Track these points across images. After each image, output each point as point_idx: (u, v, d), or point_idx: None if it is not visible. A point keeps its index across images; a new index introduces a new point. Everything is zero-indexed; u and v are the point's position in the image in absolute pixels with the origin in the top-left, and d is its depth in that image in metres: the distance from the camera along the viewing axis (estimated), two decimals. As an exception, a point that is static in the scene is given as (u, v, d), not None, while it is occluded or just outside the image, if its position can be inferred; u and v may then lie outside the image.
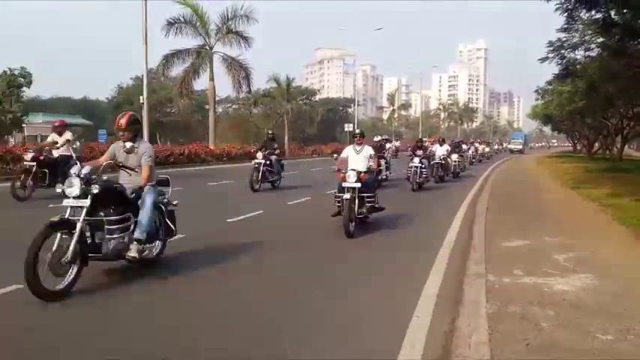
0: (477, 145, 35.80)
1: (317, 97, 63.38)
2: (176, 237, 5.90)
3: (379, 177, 16.66)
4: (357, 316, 4.24)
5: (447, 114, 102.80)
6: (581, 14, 14.40)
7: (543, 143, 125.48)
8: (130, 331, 3.82)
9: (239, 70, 29.50)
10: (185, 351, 3.50)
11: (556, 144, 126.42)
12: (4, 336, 3.70)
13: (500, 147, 64.53)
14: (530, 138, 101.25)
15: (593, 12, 13.43)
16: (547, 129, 77.62)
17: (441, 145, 18.82)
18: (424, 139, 19.80)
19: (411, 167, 14.52)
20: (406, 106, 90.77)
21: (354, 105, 57.18)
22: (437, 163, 17.65)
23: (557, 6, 13.65)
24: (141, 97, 25.59)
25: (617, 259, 6.14)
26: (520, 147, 65.31)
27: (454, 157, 19.56)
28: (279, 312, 4.31)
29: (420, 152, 15.12)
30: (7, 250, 5.49)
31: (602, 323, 3.95)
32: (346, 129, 45.42)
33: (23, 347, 3.55)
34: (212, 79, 29.37)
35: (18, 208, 9.84)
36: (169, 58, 28.33)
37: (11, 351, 3.48)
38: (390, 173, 16.73)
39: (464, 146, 25.27)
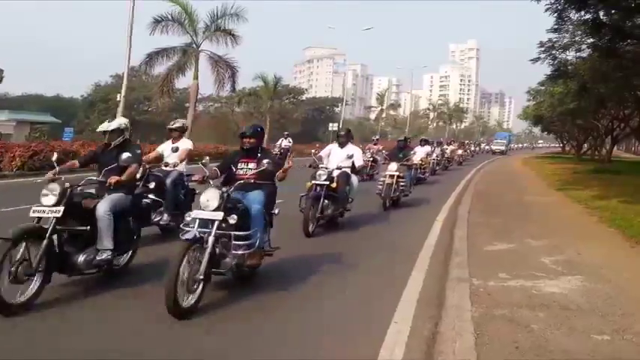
0: (445, 147, 25.37)
1: (304, 97, 63.10)
2: None
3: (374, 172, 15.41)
4: (331, 324, 4.02)
5: (436, 114, 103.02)
6: (571, 15, 14.39)
7: (525, 144, 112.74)
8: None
9: (225, 68, 28.90)
10: None
11: (541, 144, 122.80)
12: None
13: (478, 149, 53.17)
14: (513, 139, 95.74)
15: (582, 12, 13.42)
16: (536, 130, 76.78)
17: (422, 147, 17.75)
18: (408, 137, 15.25)
19: (385, 176, 10.49)
20: (395, 105, 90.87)
21: (342, 104, 56.98)
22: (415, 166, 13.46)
23: (547, 6, 13.64)
24: (118, 95, 25.05)
25: (606, 260, 6.07)
26: (503, 148, 61.18)
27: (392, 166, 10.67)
28: (255, 320, 4.12)
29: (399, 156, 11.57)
30: None
31: (597, 324, 3.88)
32: (330, 128, 44.89)
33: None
34: (197, 77, 28.79)
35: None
36: (153, 56, 27.53)
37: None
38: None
39: (427, 148, 18.47)
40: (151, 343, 3.56)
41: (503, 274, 5.27)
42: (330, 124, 46.20)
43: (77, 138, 29.43)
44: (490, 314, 4.05)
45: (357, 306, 4.47)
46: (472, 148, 45.20)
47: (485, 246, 6.76)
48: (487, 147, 61.77)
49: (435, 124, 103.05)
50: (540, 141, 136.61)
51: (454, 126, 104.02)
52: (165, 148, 7.45)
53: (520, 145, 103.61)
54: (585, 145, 43.69)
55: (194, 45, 28.48)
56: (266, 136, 39.70)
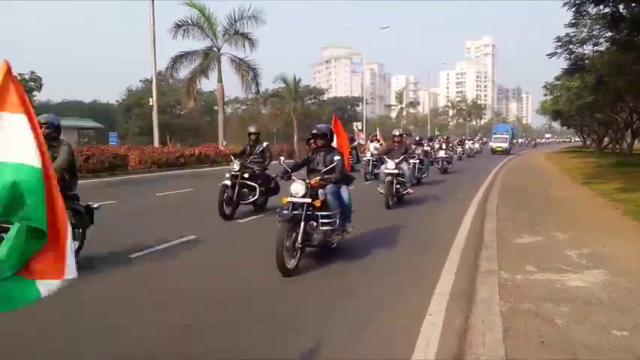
0: (425, 147, 20.13)
1: (325, 97, 63.26)
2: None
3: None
4: (369, 316, 4.25)
5: (455, 111, 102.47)
6: (589, 9, 14.34)
7: (523, 139, 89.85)
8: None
9: (247, 70, 29.43)
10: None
11: (550, 139, 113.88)
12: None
13: (461, 150, 33.39)
14: (518, 132, 74.42)
15: (601, 7, 13.38)
16: (556, 124, 74.15)
17: (418, 145, 17.65)
18: (399, 132, 12.35)
19: (384, 175, 10.45)
20: (414, 103, 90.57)
21: (362, 103, 56.92)
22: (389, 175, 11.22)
23: (565, 1, 13.62)
24: (150, 100, 25.86)
25: (630, 254, 6.10)
26: (505, 145, 44.24)
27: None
28: (290, 314, 4.36)
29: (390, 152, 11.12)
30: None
31: (618, 319, 3.95)
32: (355, 128, 45.15)
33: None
34: (220, 80, 29.41)
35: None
36: (177, 60, 28.29)
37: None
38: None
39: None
40: (268, 291, 4.99)
41: (531, 267, 5.40)
42: (355, 124, 46.46)
43: (121, 142, 30.50)
44: (517, 308, 4.18)
45: (393, 299, 4.76)
46: (459, 150, 32.57)
47: (514, 239, 6.91)
48: (476, 145, 42.13)
49: (454, 121, 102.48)
50: (547, 135, 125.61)
51: (474, 122, 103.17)
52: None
53: (522, 141, 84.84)
54: (606, 138, 42.98)
55: (215, 48, 29.02)
56: (295, 136, 40.18)
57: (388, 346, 3.66)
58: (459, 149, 32.66)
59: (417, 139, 22.02)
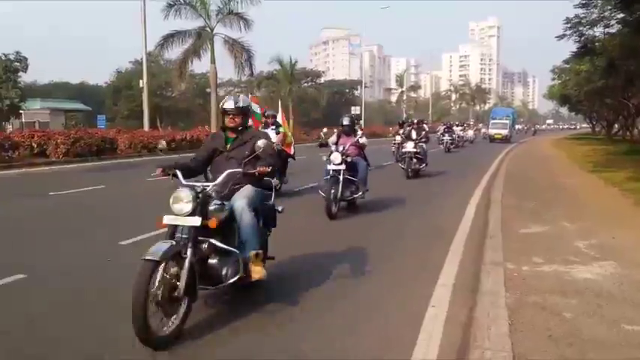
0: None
1: (322, 79, 61.71)
2: None
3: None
4: (370, 307, 4.12)
5: (458, 95, 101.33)
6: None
7: (521, 126, 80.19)
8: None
9: (241, 52, 28.67)
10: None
11: (552, 126, 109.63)
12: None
13: (449, 139, 25.67)
14: (516, 117, 63.16)
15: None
16: (564, 110, 72.51)
17: (418, 128, 15.60)
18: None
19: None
20: (415, 87, 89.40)
21: (361, 87, 56.03)
22: (408, 153, 13.36)
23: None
24: (140, 81, 25.41)
25: (641, 244, 5.95)
26: (505, 132, 39.64)
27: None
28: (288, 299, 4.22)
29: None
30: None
31: (629, 313, 3.81)
32: (352, 112, 44.33)
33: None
34: (213, 61, 28.66)
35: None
36: (168, 39, 27.57)
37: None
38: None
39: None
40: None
41: (538, 259, 5.24)
42: (353, 108, 45.73)
43: (109, 125, 30.21)
44: (524, 300, 4.04)
45: (396, 287, 4.61)
46: (447, 137, 25.46)
47: (520, 229, 6.73)
48: (470, 133, 36.08)
49: (457, 106, 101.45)
50: (549, 121, 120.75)
51: (477, 107, 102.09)
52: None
53: (519, 127, 75.52)
54: (616, 125, 42.37)
55: (208, 28, 28.27)
56: (291, 121, 39.72)
57: (388, 339, 3.53)
58: (445, 138, 24.93)
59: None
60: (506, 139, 38.14)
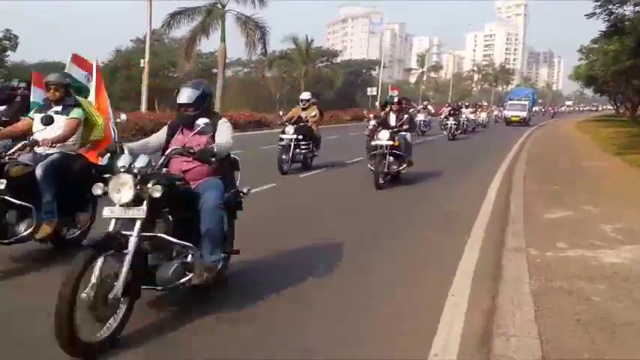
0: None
1: (339, 59, 58.93)
2: None
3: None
4: (387, 295, 3.99)
5: (480, 76, 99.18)
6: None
7: (539, 107, 64.65)
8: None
9: (254, 30, 27.04)
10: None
11: (571, 108, 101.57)
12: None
13: (454, 123, 20.57)
14: (536, 98, 54.44)
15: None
16: (589, 91, 70.10)
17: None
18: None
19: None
20: (437, 67, 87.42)
21: (379, 67, 54.19)
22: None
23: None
24: (141, 61, 24.22)
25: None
26: (523, 114, 35.86)
27: None
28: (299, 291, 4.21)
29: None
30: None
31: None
32: (369, 93, 42.63)
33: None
34: (223, 40, 26.97)
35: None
36: (175, 16, 26.05)
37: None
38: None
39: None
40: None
41: (562, 244, 5.13)
42: (369, 89, 44.30)
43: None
44: (549, 286, 3.96)
45: (411, 278, 4.48)
46: (457, 119, 21.42)
47: (543, 213, 6.59)
48: (483, 115, 30.07)
49: (479, 87, 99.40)
50: (568, 102, 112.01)
51: (500, 88, 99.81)
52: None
53: (537, 109, 61.89)
54: (640, 107, 41.04)
55: (219, 5, 26.90)
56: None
57: (407, 328, 3.40)
58: (450, 122, 20.51)
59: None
60: (524, 122, 34.69)
